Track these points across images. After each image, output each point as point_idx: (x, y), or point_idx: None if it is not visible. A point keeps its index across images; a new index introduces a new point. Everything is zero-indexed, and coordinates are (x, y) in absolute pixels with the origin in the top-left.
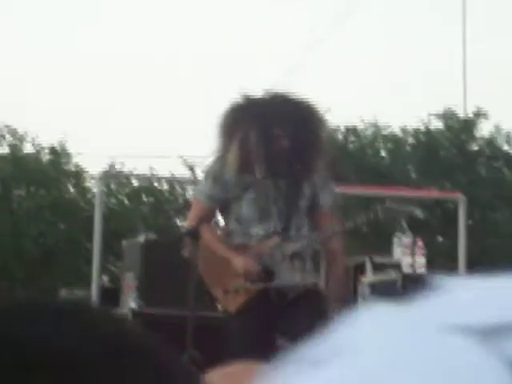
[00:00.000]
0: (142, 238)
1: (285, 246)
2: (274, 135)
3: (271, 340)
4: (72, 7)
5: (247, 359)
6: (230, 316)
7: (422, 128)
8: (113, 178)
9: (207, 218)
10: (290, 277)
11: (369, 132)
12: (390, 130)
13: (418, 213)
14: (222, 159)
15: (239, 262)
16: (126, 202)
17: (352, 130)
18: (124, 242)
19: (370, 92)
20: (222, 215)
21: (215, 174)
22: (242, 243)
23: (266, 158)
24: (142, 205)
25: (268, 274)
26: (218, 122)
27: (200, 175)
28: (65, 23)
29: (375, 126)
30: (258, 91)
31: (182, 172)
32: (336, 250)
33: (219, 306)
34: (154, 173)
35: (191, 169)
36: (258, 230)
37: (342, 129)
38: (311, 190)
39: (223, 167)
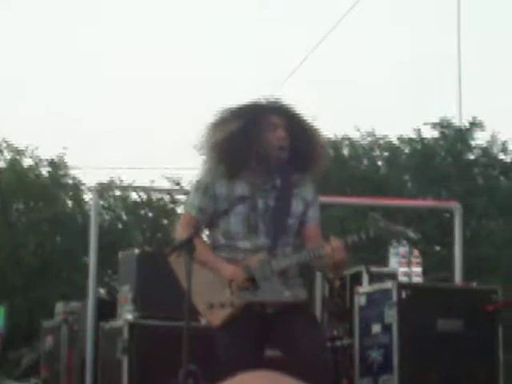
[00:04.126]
0: (137, 250)
1: (273, 262)
2: (272, 123)
3: (258, 352)
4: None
5: (233, 372)
6: (218, 329)
7: (417, 137)
8: (108, 189)
9: (198, 232)
10: (278, 293)
11: (365, 141)
12: (386, 140)
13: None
14: (212, 170)
15: (228, 269)
16: (124, 216)
17: (347, 140)
18: (120, 254)
19: (365, 101)
20: (208, 229)
21: (206, 186)
22: (230, 257)
23: (261, 168)
24: (140, 218)
25: (254, 285)
26: (210, 126)
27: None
28: (64, 28)
29: (372, 135)
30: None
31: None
32: None
33: (202, 321)
34: (152, 185)
35: (177, 184)
36: (245, 245)
37: (337, 138)
38: (303, 208)
39: (214, 180)
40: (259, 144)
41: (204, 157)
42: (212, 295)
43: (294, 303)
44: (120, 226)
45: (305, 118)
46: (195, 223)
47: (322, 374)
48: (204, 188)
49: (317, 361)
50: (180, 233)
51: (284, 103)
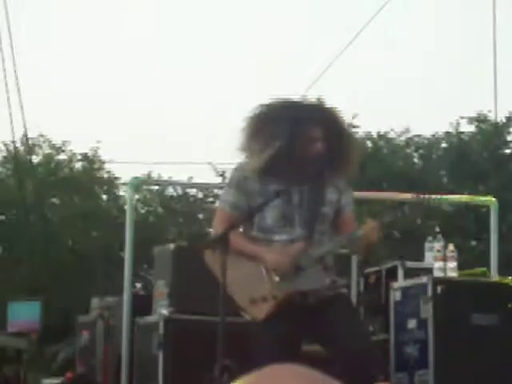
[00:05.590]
0: (172, 245)
1: (311, 250)
2: (311, 137)
3: (296, 347)
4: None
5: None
6: (259, 324)
7: (454, 132)
8: (143, 183)
9: (233, 227)
10: (319, 281)
11: (401, 138)
12: (420, 137)
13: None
14: (245, 166)
15: (270, 255)
16: (160, 210)
17: (383, 136)
18: (155, 249)
19: (400, 97)
20: (243, 225)
21: (238, 182)
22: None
23: (297, 162)
24: (176, 213)
25: (295, 273)
26: (246, 123)
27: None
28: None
29: (407, 131)
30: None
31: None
32: None
33: (245, 316)
34: (187, 181)
35: (222, 175)
36: (281, 237)
37: (374, 135)
38: (337, 196)
39: (247, 175)
40: (297, 155)
41: (242, 147)
42: (253, 289)
43: (334, 294)
44: (155, 220)
45: (341, 122)
46: (230, 220)
47: (366, 363)
48: (236, 184)
49: (360, 351)
50: (215, 230)
51: (322, 109)
